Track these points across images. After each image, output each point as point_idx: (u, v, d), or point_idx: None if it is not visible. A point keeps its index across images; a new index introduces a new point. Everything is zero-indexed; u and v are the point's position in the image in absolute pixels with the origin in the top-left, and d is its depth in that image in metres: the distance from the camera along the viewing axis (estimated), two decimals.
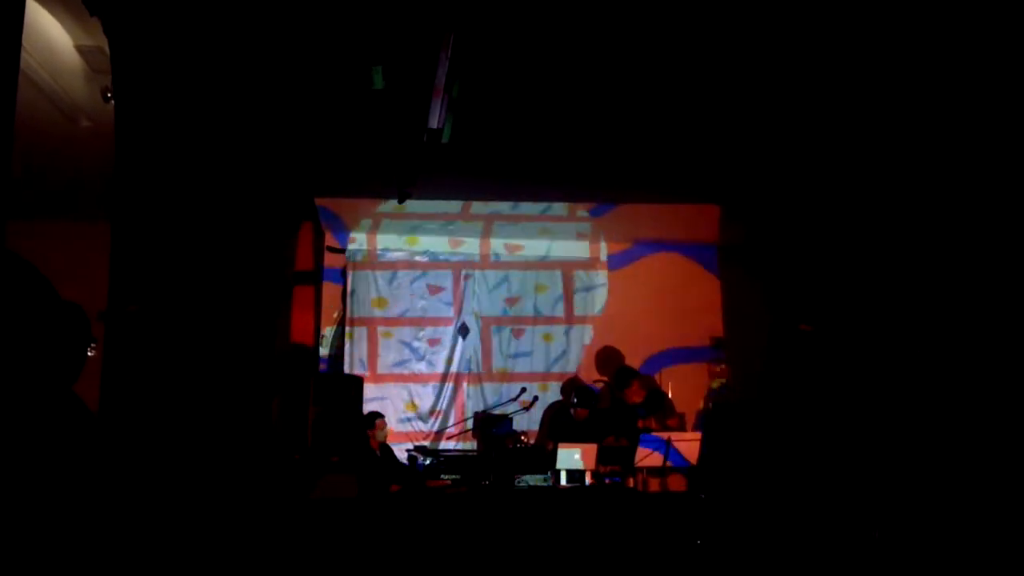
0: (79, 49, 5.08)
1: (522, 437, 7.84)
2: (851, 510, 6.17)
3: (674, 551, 6.03)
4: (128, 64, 4.39)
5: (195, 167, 5.03)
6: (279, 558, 5.27)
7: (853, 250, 7.30)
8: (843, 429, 6.84)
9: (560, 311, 8.98)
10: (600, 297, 9.03)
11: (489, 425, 8.22)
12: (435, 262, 8.93)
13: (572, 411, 7.92)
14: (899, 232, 6.92)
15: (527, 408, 8.37)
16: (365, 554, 5.75)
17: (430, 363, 8.83)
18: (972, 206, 6.35)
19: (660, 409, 7.75)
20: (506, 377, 8.81)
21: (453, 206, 8.56)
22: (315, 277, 8.60)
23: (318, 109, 5.88)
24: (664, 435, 6.60)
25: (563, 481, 6.69)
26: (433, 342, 8.83)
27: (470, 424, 8.60)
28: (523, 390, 8.51)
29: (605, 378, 8.70)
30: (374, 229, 8.73)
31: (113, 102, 4.61)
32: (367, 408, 7.85)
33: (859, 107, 6.22)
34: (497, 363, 8.87)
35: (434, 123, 5.84)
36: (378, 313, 8.76)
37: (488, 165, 7.03)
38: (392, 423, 8.08)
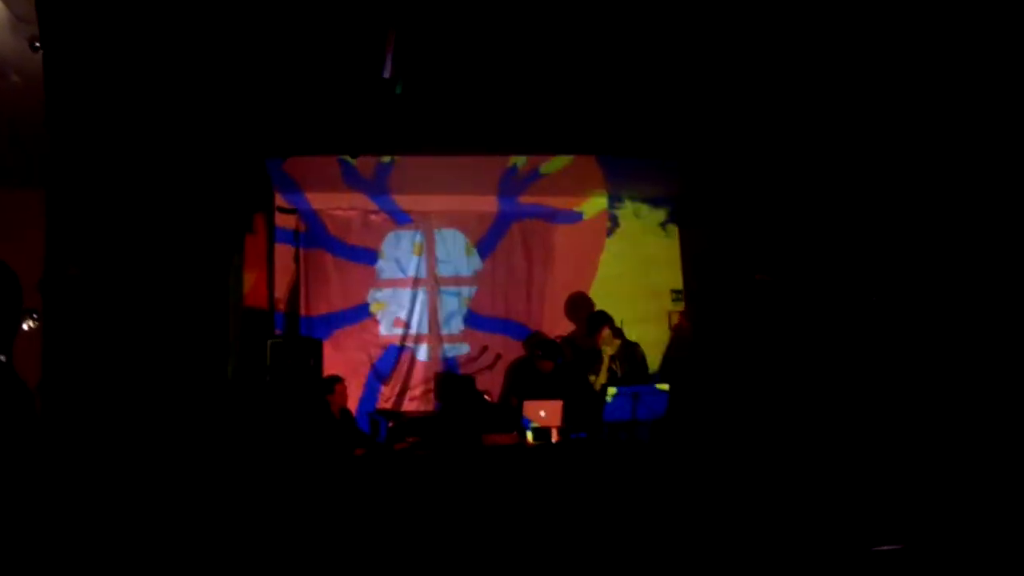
0: None
1: (485, 396, 7.74)
2: (816, 459, 6.19)
3: (643, 506, 5.99)
4: (56, 9, 4.08)
5: (133, 123, 4.75)
6: (245, 525, 5.10)
7: (807, 200, 7.30)
8: (804, 378, 6.86)
9: (522, 268, 8.83)
10: (559, 253, 8.91)
11: (451, 385, 8.10)
12: (391, 220, 8.70)
13: (537, 364, 7.80)
14: (852, 183, 6.93)
15: (490, 367, 8.27)
16: (333, 519, 5.61)
17: (388, 325, 8.63)
18: (925, 158, 6.38)
19: (632, 361, 7.63)
20: (468, 337, 8.65)
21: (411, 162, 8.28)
22: (267, 238, 8.35)
23: (265, 61, 5.61)
24: (632, 388, 6.51)
25: (529, 438, 6.59)
26: (391, 303, 8.63)
27: (432, 385, 8.46)
28: (484, 349, 8.40)
29: (566, 333, 8.61)
30: (327, 187, 8.45)
31: (41, 52, 4.30)
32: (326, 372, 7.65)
33: (809, 59, 6.16)
34: (457, 323, 8.70)
35: (386, 73, 5.63)
36: (334, 273, 8.52)
37: (442, 117, 6.81)
38: (351, 387, 7.88)
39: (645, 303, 8.73)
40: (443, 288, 8.70)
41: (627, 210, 9.09)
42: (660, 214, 9.09)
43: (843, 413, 6.46)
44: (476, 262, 8.78)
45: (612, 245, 9.00)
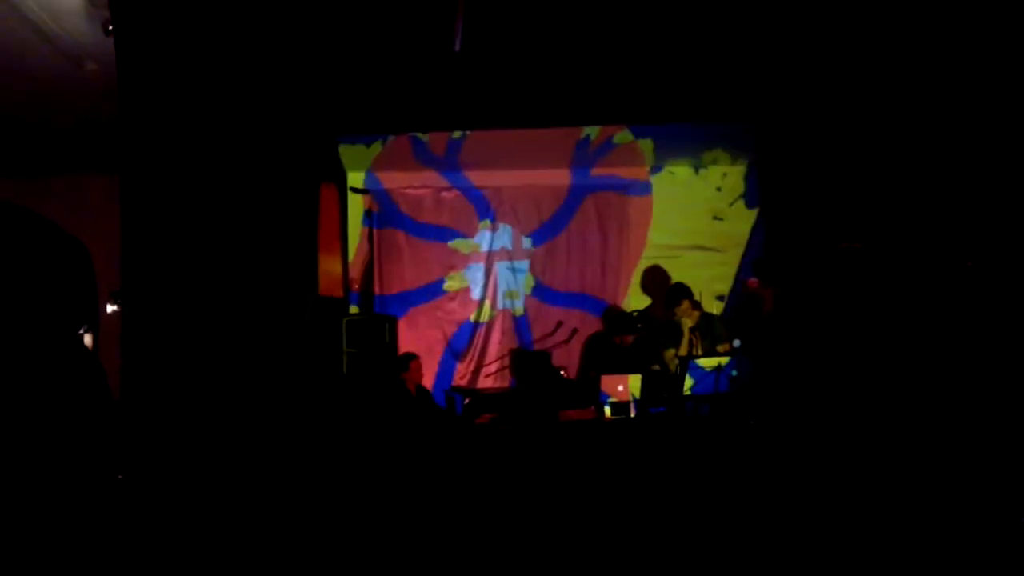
0: None
1: (561, 372, 7.66)
2: (905, 433, 5.96)
3: (723, 482, 5.85)
4: None
5: (206, 105, 4.75)
6: (325, 502, 5.13)
7: (895, 162, 7.01)
8: (894, 348, 6.61)
9: (596, 241, 8.70)
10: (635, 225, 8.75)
11: (527, 361, 8.03)
12: (463, 197, 8.64)
13: (617, 339, 7.69)
14: (942, 141, 6.62)
15: (566, 342, 8.19)
16: (411, 492, 5.62)
17: (463, 302, 8.62)
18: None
19: (712, 333, 7.45)
20: (541, 311, 8.58)
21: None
22: (340, 219, 8.38)
23: (335, 39, 5.57)
24: (713, 361, 6.36)
25: (608, 413, 6.50)
26: (465, 279, 8.61)
27: (507, 361, 8.42)
28: (559, 324, 8.31)
29: (642, 307, 8.47)
30: (398, 166, 8.45)
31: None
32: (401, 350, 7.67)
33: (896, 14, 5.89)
34: (531, 298, 8.63)
35: (457, 46, 5.55)
36: (407, 251, 8.53)
37: (511, 89, 6.70)
38: (427, 365, 7.89)
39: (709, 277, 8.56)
40: (517, 263, 8.63)
41: (699, 176, 8.86)
42: (735, 177, 8.83)
43: (946, 383, 6.19)
44: (550, 236, 8.68)
45: (672, 214, 8.80)
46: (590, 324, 8.51)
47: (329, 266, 7.98)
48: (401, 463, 5.93)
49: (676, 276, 8.10)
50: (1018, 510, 4.84)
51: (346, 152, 8.18)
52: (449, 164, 8.47)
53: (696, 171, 8.82)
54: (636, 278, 8.73)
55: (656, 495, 5.75)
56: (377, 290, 8.44)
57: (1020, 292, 6.12)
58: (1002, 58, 5.95)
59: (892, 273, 6.89)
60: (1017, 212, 6.26)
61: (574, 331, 8.21)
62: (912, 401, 6.16)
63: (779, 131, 7.80)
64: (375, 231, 8.53)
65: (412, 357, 7.45)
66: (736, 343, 6.84)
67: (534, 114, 7.28)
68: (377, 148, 8.17)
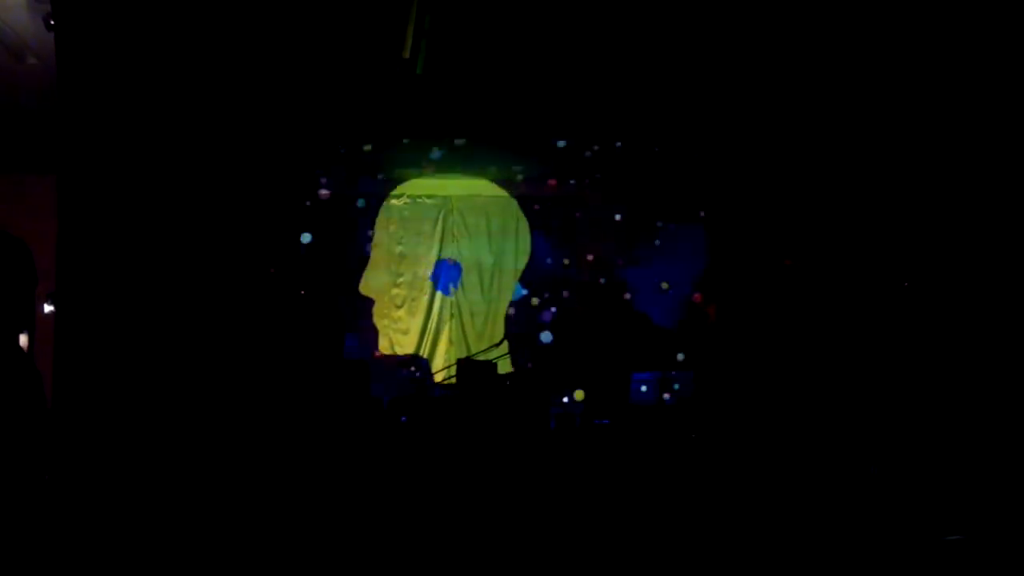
0: None
1: (507, 383, 7.64)
2: (846, 446, 6.06)
3: (664, 493, 5.89)
4: None
5: (148, 105, 4.64)
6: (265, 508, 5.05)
7: (834, 182, 7.15)
8: (833, 363, 6.73)
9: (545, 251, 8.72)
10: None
11: (473, 371, 8.00)
12: (414, 202, 8.61)
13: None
14: (882, 163, 6.78)
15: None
16: (350, 503, 5.56)
17: (410, 309, 8.56)
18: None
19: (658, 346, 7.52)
20: (490, 322, 8.56)
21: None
22: None
23: (288, 38, 5.50)
24: (658, 372, 6.42)
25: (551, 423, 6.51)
26: (413, 286, 8.56)
27: (454, 370, 8.39)
28: (507, 334, 8.31)
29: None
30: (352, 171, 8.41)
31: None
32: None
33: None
34: (480, 308, 8.61)
35: (407, 53, 5.53)
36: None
37: (463, 100, 6.72)
38: (372, 371, 7.83)
39: None
40: (466, 271, 8.61)
41: None
42: None
43: (878, 398, 6.32)
44: (499, 244, 8.67)
45: None
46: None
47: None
48: (347, 468, 5.87)
49: None
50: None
51: None
52: (398, 171, 8.46)
53: None
54: None
55: (601, 507, 5.77)
56: None
57: (955, 311, 6.28)
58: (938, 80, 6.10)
59: (833, 290, 7.03)
60: (951, 238, 6.42)
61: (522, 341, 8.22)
62: (855, 412, 6.29)
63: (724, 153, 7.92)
64: None
65: (360, 362, 7.38)
66: (680, 357, 6.91)
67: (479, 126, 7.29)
68: None
